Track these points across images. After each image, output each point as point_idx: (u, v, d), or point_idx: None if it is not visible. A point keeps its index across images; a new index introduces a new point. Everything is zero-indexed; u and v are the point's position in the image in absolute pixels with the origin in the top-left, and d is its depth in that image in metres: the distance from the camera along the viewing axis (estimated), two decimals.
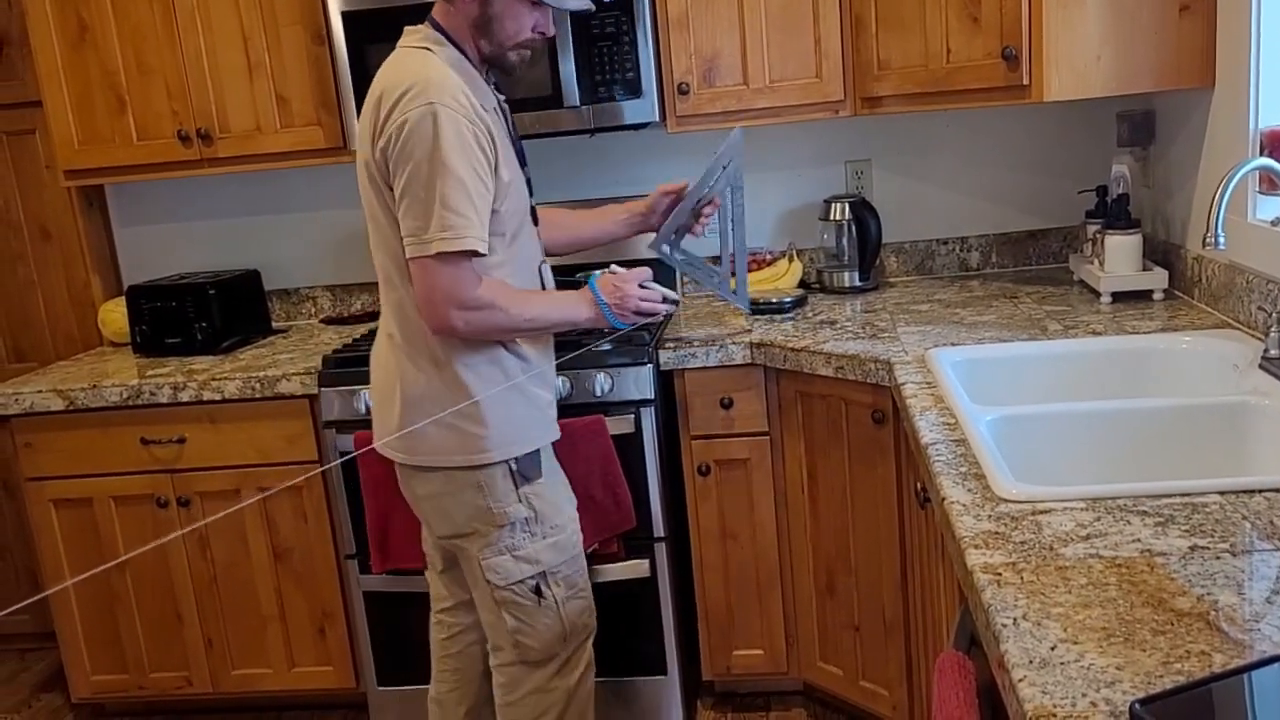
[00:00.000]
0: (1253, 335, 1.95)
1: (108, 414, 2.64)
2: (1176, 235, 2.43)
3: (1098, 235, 2.46)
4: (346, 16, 2.58)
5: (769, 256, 2.92)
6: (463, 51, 1.87)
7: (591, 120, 2.57)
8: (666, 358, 2.42)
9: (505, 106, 1.99)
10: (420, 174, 1.75)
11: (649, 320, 2.04)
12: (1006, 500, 1.33)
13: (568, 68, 2.54)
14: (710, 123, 2.64)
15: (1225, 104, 2.12)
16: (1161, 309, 2.27)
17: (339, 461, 2.42)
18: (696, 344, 2.42)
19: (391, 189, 1.81)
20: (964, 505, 1.33)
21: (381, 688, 2.62)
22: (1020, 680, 0.94)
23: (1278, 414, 1.57)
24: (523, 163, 1.97)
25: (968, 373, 2.01)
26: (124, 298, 2.95)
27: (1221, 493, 1.28)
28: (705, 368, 2.43)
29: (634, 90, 2.55)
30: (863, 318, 2.51)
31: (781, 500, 2.50)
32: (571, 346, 2.21)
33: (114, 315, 3.03)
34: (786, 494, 2.49)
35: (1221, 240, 1.64)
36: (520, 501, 1.94)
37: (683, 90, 2.60)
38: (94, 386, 2.62)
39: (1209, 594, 1.05)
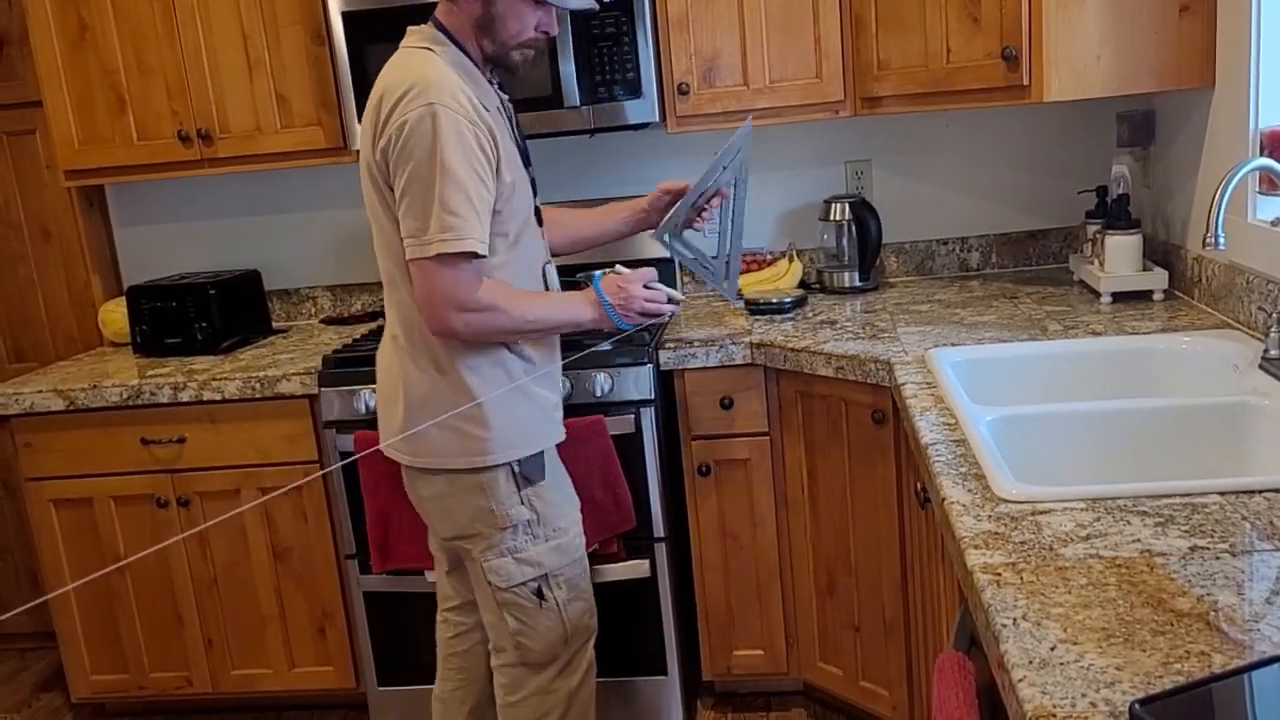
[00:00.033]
0: (1253, 335, 1.95)
1: (108, 414, 2.64)
2: (1176, 235, 2.43)
3: (1098, 235, 2.46)
4: (346, 16, 2.58)
5: (769, 256, 2.92)
6: (466, 51, 1.86)
7: (591, 120, 2.57)
8: (666, 358, 2.43)
9: (509, 106, 1.98)
10: (420, 175, 1.74)
11: (654, 321, 2.02)
12: (1006, 500, 1.33)
13: (568, 68, 2.54)
14: (710, 123, 2.64)
15: (1225, 104, 2.12)
16: (1161, 309, 2.27)
17: (342, 464, 2.42)
18: (696, 344, 2.42)
19: (393, 190, 1.81)
20: (964, 505, 1.33)
21: (381, 688, 2.62)
22: (1020, 680, 0.94)
23: (1278, 414, 1.57)
24: (527, 163, 1.96)
25: (968, 373, 2.01)
26: (124, 298, 2.95)
27: (1221, 493, 1.28)
28: (705, 368, 2.43)
29: (634, 90, 2.55)
30: (863, 318, 2.51)
31: (781, 500, 2.50)
32: (574, 347, 2.21)
33: (114, 315, 3.03)
34: (786, 494, 2.49)
35: (1221, 240, 1.64)
36: (523, 504, 1.94)
37: (683, 90, 2.60)
38: (94, 386, 2.62)
39: (1209, 594, 1.05)
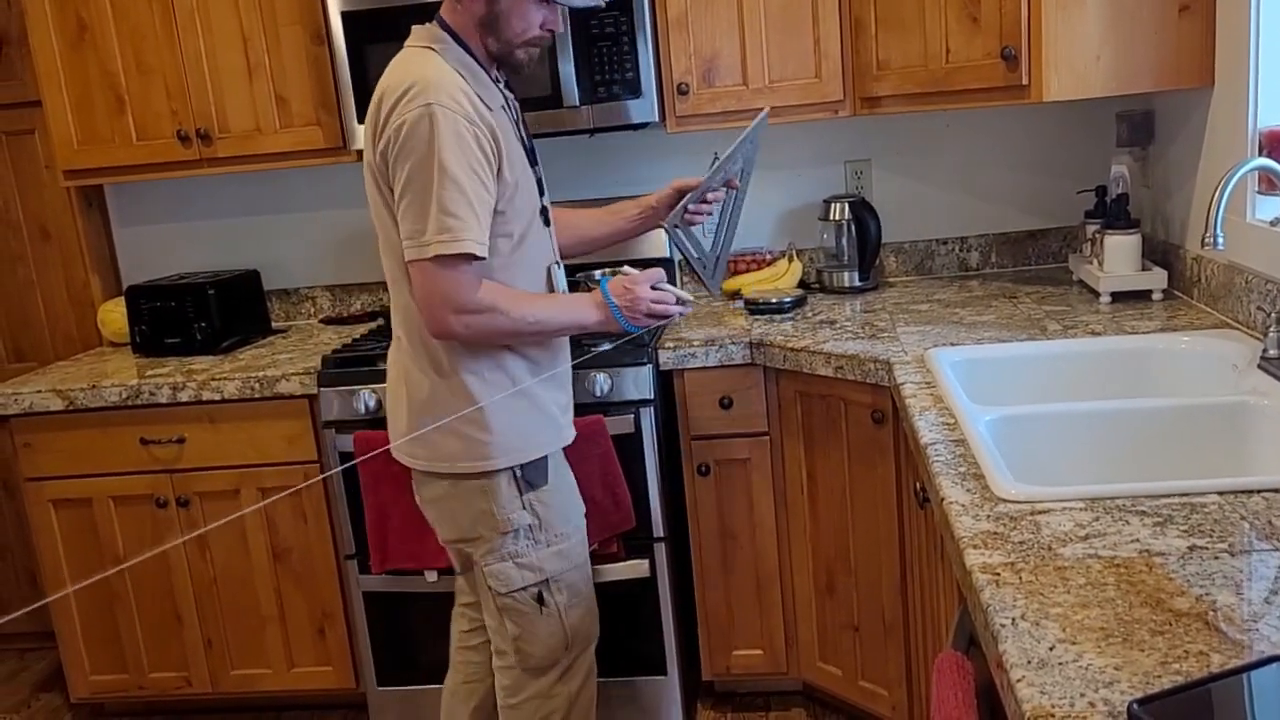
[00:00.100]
0: (1252, 335, 1.95)
1: (107, 414, 2.64)
2: (1176, 235, 2.43)
3: (1097, 235, 2.46)
4: (346, 16, 2.58)
5: (769, 256, 2.92)
6: (470, 50, 1.84)
7: (591, 120, 2.57)
8: (666, 358, 2.43)
9: (516, 105, 1.96)
10: (417, 176, 1.73)
11: (662, 323, 1.97)
12: (1005, 500, 1.33)
13: (567, 68, 2.54)
14: (710, 123, 2.64)
15: (1224, 104, 2.13)
16: (1160, 309, 2.27)
17: (347, 466, 2.41)
18: (696, 344, 2.42)
19: (393, 191, 1.80)
20: (963, 505, 1.33)
21: (381, 688, 2.62)
22: (1019, 680, 0.94)
23: (1276, 414, 1.57)
24: (533, 162, 1.94)
25: (967, 373, 2.01)
26: (123, 298, 2.95)
27: (1220, 493, 1.28)
28: (705, 368, 2.43)
29: (634, 90, 2.55)
30: (862, 318, 2.51)
31: (781, 500, 2.50)
32: (578, 350, 2.20)
33: (113, 315, 3.03)
34: (786, 494, 2.49)
35: (1220, 240, 1.64)
36: (524, 508, 1.92)
37: (682, 90, 2.60)
38: (93, 387, 2.62)
39: (1207, 594, 1.05)
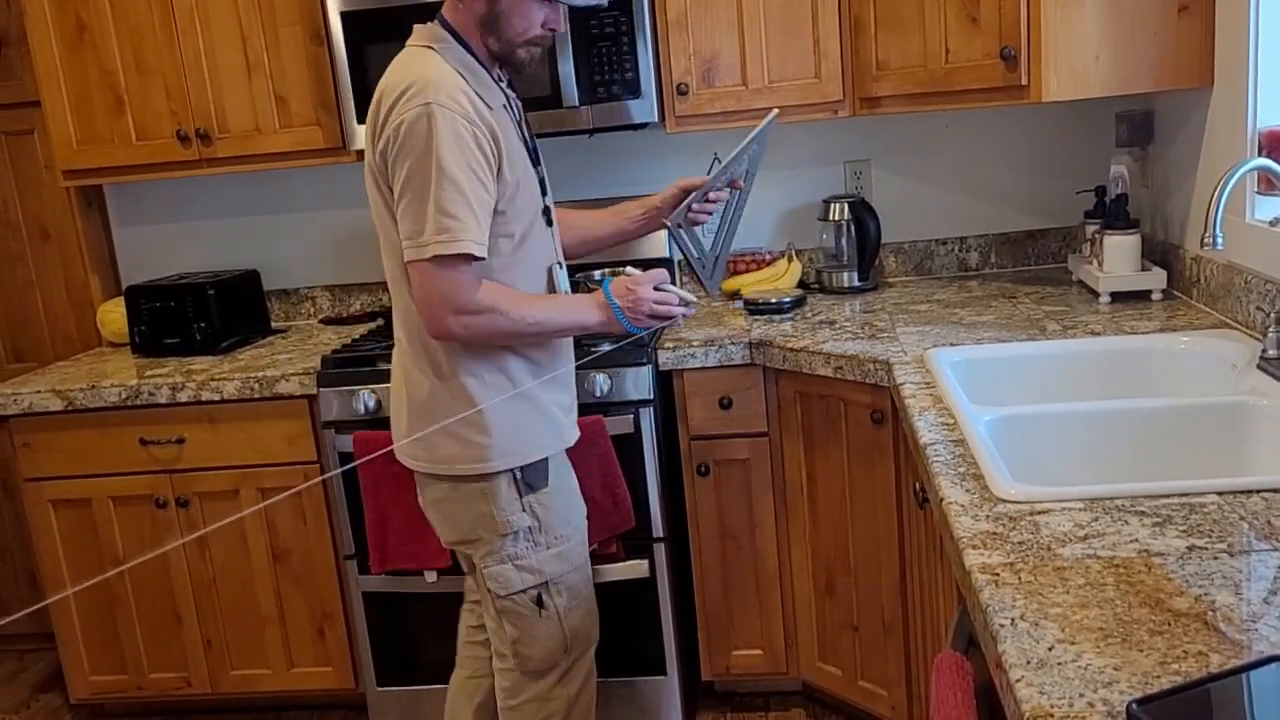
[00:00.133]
0: (1251, 335, 1.95)
1: (106, 414, 2.64)
2: (1175, 235, 2.43)
3: (1096, 235, 2.46)
4: (345, 16, 2.58)
5: (768, 256, 2.92)
6: (471, 49, 1.83)
7: (590, 120, 2.57)
8: (665, 358, 2.43)
9: (518, 104, 1.95)
10: (416, 176, 1.73)
11: (664, 324, 1.95)
12: (1005, 500, 1.33)
13: (567, 68, 2.54)
14: (709, 123, 2.64)
15: (1224, 104, 2.13)
16: (1160, 309, 2.27)
17: (349, 467, 2.40)
18: (696, 344, 2.42)
19: (393, 190, 1.80)
20: (962, 505, 1.33)
21: (380, 688, 2.62)
22: (1018, 680, 0.94)
23: (1276, 414, 1.57)
24: (535, 162, 1.93)
25: (966, 373, 2.01)
26: (123, 298, 2.95)
27: (1219, 493, 1.28)
28: (704, 368, 2.43)
29: (633, 90, 2.55)
30: (862, 318, 2.51)
31: (780, 500, 2.50)
32: (579, 350, 2.19)
33: (113, 315, 3.03)
34: (785, 494, 2.49)
35: (1220, 240, 1.64)
36: (524, 510, 1.91)
37: (682, 90, 2.60)
38: (93, 387, 2.62)
39: (1206, 594, 1.05)
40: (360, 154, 2.72)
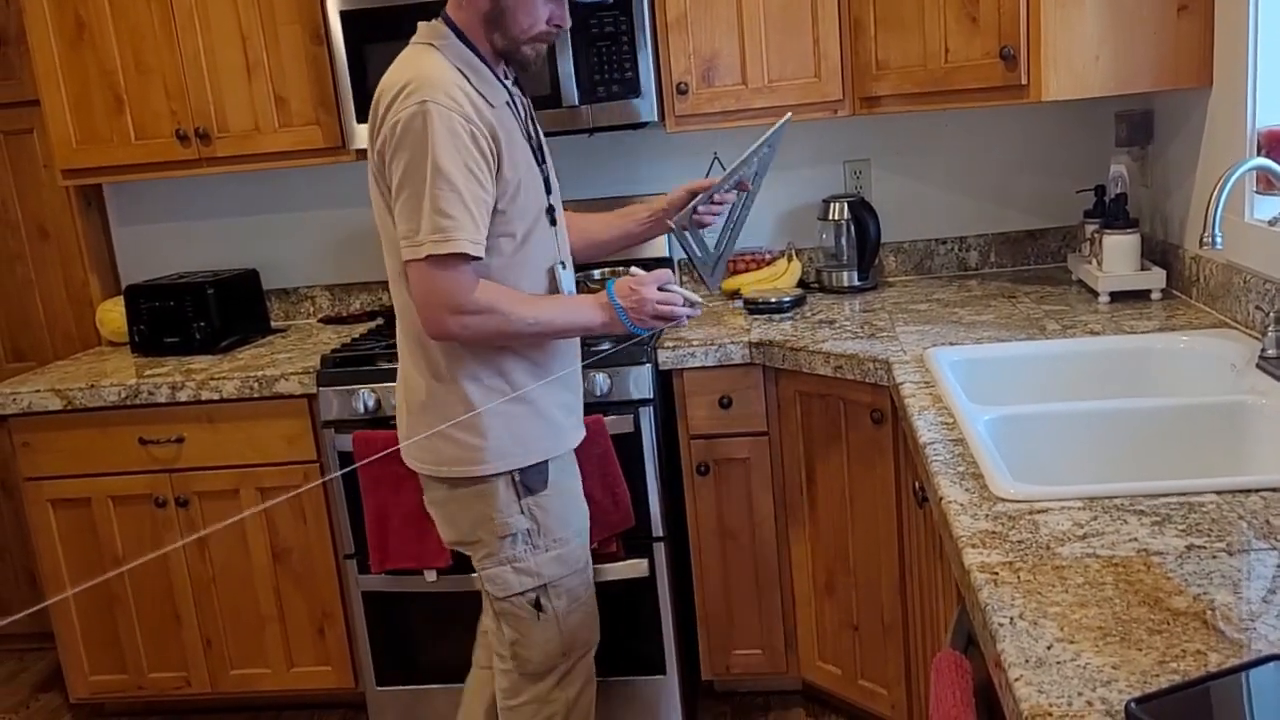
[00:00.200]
0: (1250, 335, 1.95)
1: (106, 414, 2.64)
2: (1174, 235, 2.43)
3: (1096, 235, 2.46)
4: (345, 16, 2.58)
5: (768, 256, 2.92)
6: (474, 46, 1.82)
7: (590, 120, 2.57)
8: (665, 357, 2.43)
9: (524, 102, 1.94)
10: (412, 175, 1.72)
11: (668, 324, 1.92)
12: (1004, 500, 1.33)
13: (566, 67, 2.54)
14: (709, 122, 2.64)
15: (1223, 104, 2.13)
16: (1159, 309, 2.28)
17: (351, 469, 2.40)
18: (696, 344, 2.42)
19: (391, 189, 1.79)
20: (962, 505, 1.34)
21: (380, 688, 2.62)
22: (1017, 679, 0.94)
23: (1275, 413, 1.57)
24: (540, 160, 1.91)
25: (966, 372, 2.01)
26: (122, 297, 2.95)
27: (1218, 492, 1.29)
28: (704, 367, 2.43)
29: (633, 90, 2.55)
30: (861, 317, 2.51)
31: (780, 500, 2.50)
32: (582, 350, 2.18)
33: (112, 315, 3.03)
34: (785, 494, 2.49)
35: (1219, 240, 1.64)
36: (522, 513, 1.90)
37: (681, 90, 2.60)
38: (92, 386, 2.62)
39: (1205, 593, 1.05)
40: (360, 153, 2.73)
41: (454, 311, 1.76)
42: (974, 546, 1.21)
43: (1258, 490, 1.28)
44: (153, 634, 2.78)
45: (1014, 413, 1.69)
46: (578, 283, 2.45)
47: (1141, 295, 2.37)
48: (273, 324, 3.16)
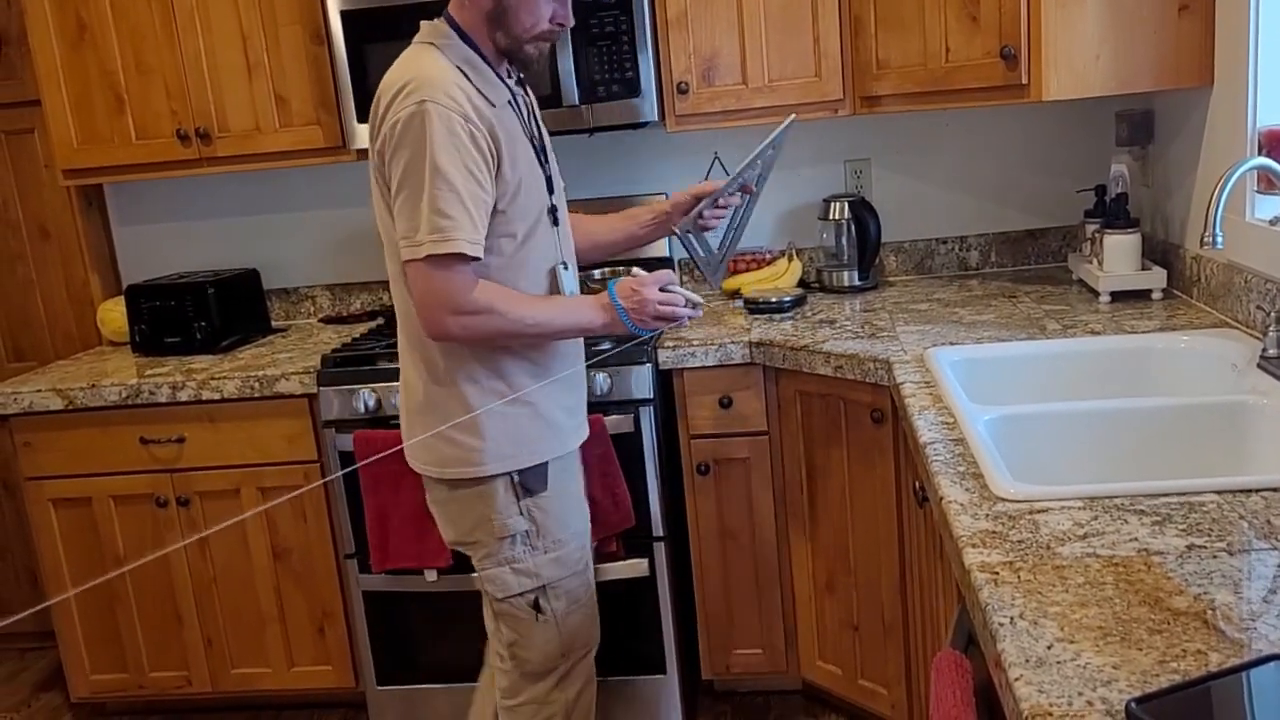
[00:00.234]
0: (1251, 334, 1.95)
1: (107, 413, 2.64)
2: (1175, 234, 2.43)
3: (1096, 234, 2.46)
4: (345, 16, 2.58)
5: (768, 256, 2.92)
6: (476, 45, 1.81)
7: (590, 120, 2.57)
8: (665, 357, 2.43)
9: (528, 101, 1.93)
10: (411, 175, 1.71)
11: (670, 325, 1.91)
12: (1004, 499, 1.33)
13: (566, 66, 2.54)
14: (709, 122, 2.64)
15: (1224, 103, 2.13)
16: (1160, 308, 2.27)
17: (353, 469, 2.40)
18: (696, 343, 2.42)
19: (390, 189, 1.79)
20: (962, 504, 1.34)
21: (380, 687, 2.62)
22: (1017, 679, 0.94)
23: (1276, 413, 1.57)
24: (544, 160, 1.90)
25: (966, 372, 2.01)
26: (123, 297, 2.95)
27: (1219, 492, 1.28)
28: (704, 367, 2.43)
29: (633, 89, 2.55)
30: (862, 317, 2.51)
31: (780, 499, 2.50)
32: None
33: (113, 314, 3.03)
34: (785, 493, 2.49)
35: (1219, 239, 1.64)
36: (521, 514, 1.90)
37: (682, 89, 2.60)
38: (93, 386, 2.62)
39: (1206, 593, 1.05)
40: (361, 153, 2.73)
41: (453, 312, 1.75)
42: (974, 546, 1.21)
43: (1258, 490, 1.28)
44: (154, 633, 2.78)
45: (1014, 412, 1.69)
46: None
47: (1142, 295, 2.37)
48: (273, 324, 3.16)
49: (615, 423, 2.34)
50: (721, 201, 2.02)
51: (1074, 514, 1.26)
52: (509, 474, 1.88)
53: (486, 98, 1.78)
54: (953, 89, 2.36)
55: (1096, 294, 2.41)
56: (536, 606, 1.94)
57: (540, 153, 1.90)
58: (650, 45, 2.55)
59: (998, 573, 1.14)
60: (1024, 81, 2.20)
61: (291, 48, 2.71)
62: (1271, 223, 1.90)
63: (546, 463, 1.91)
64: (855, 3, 2.52)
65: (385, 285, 3.10)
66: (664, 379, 2.47)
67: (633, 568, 2.43)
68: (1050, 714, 0.88)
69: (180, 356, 2.84)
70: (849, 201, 2.78)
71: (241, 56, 2.73)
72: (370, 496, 2.38)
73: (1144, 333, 2.07)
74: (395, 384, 2.35)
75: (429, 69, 1.75)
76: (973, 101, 2.35)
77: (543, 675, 2.00)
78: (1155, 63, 2.18)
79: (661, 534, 2.45)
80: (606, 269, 2.80)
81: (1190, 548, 1.15)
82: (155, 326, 2.87)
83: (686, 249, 2.03)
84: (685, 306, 1.90)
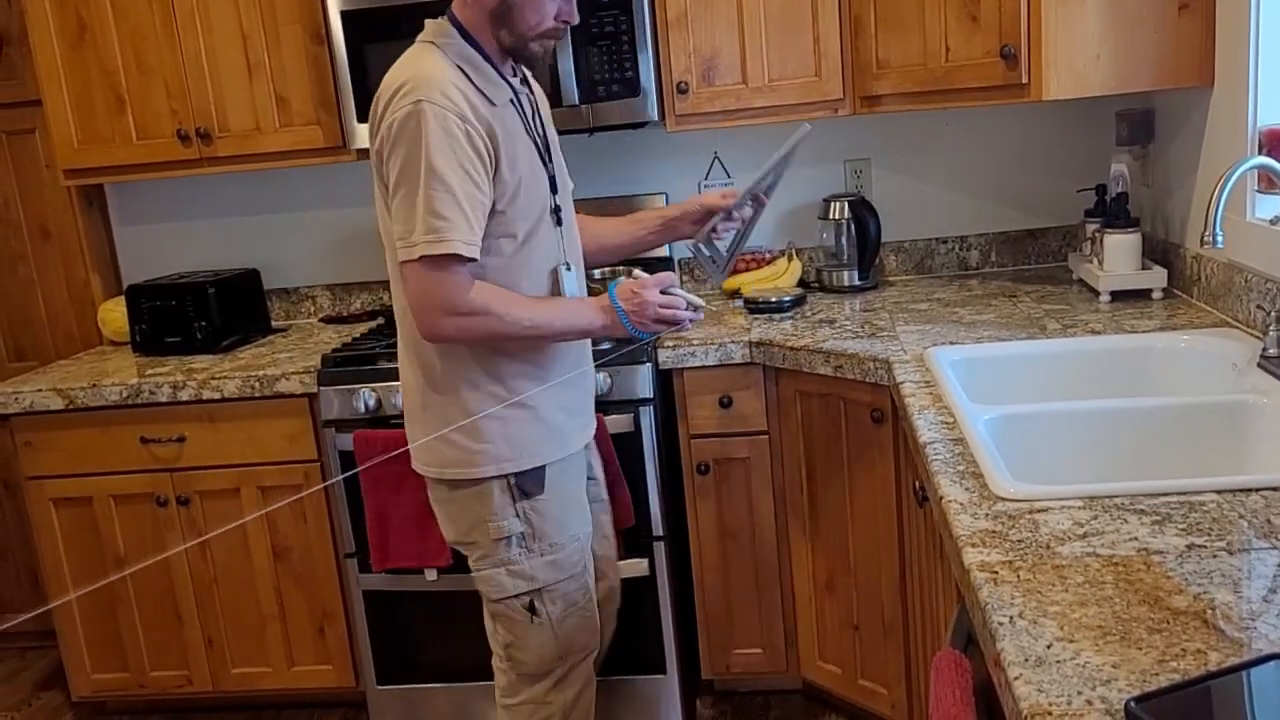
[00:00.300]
0: (1251, 334, 1.95)
1: (107, 413, 2.64)
2: (1175, 234, 2.43)
3: (1097, 234, 2.46)
4: (346, 16, 2.57)
5: (768, 255, 2.92)
6: (479, 44, 1.80)
7: (590, 119, 2.57)
8: (665, 357, 2.43)
9: (534, 100, 1.91)
10: (406, 175, 1.70)
11: (672, 329, 1.90)
12: (1004, 499, 1.33)
13: (566, 66, 2.54)
14: (709, 122, 2.64)
15: (1224, 103, 2.12)
16: (1160, 308, 2.27)
17: (356, 471, 2.39)
18: (696, 343, 2.42)
19: (388, 189, 1.79)
20: (961, 504, 1.34)
21: (381, 687, 2.62)
22: (1016, 678, 0.94)
23: (1276, 413, 1.57)
24: (548, 159, 1.89)
25: (966, 372, 2.01)
26: (124, 297, 2.95)
27: (1219, 491, 1.28)
28: (704, 367, 2.43)
29: (633, 89, 2.55)
30: (862, 317, 2.51)
31: (780, 499, 2.50)
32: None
33: (114, 314, 3.03)
34: (785, 493, 2.49)
35: (1220, 239, 1.64)
36: (517, 516, 1.89)
37: (682, 89, 2.60)
38: (94, 385, 2.62)
39: (1205, 592, 1.05)
40: (361, 153, 2.73)
41: (448, 313, 1.74)
42: (974, 546, 1.21)
43: (1258, 489, 1.28)
44: (154, 633, 2.78)
45: (1014, 412, 1.69)
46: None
47: (1142, 294, 2.37)
48: (273, 324, 3.16)
49: (615, 422, 2.34)
50: (735, 215, 2.00)
51: (1074, 513, 1.26)
52: (505, 476, 1.87)
53: (487, 97, 1.77)
54: (953, 89, 2.36)
55: (1096, 293, 2.41)
56: (532, 609, 1.93)
57: (544, 152, 1.89)
58: (650, 45, 2.55)
59: (997, 572, 1.14)
60: (1024, 81, 2.20)
61: (292, 48, 2.71)
62: (1272, 222, 1.90)
63: (544, 466, 1.90)
64: (855, 2, 2.52)
65: (385, 285, 3.10)
66: (664, 379, 2.47)
67: (633, 568, 2.43)
68: (1049, 713, 0.88)
69: (180, 356, 2.84)
70: (849, 201, 2.78)
71: (242, 56, 2.73)
72: (370, 496, 2.38)
73: (1144, 332, 2.07)
74: (395, 384, 2.35)
75: (427, 69, 1.74)
76: (973, 101, 2.35)
77: (540, 677, 2.00)
78: (1155, 62, 2.18)
79: (661, 534, 2.45)
80: (607, 269, 2.79)
81: (1190, 547, 1.15)
82: (156, 326, 2.87)
83: (695, 255, 2.03)
84: (686, 309, 1.88)
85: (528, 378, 1.88)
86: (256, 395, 2.57)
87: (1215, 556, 1.12)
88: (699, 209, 2.05)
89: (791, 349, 2.32)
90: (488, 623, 2.02)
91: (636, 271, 1.94)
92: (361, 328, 2.98)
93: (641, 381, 2.38)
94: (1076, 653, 0.96)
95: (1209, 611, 1.01)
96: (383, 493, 2.36)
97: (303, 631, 2.73)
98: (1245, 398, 1.64)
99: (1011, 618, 1.04)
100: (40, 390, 2.64)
